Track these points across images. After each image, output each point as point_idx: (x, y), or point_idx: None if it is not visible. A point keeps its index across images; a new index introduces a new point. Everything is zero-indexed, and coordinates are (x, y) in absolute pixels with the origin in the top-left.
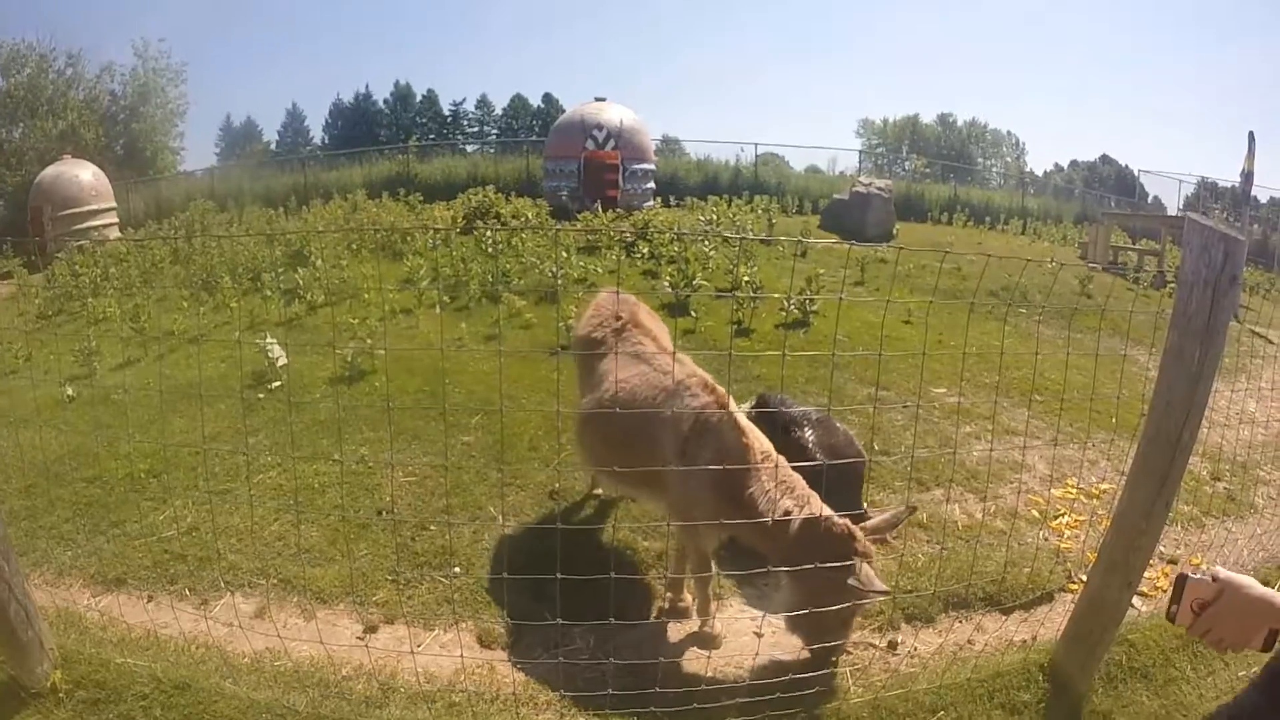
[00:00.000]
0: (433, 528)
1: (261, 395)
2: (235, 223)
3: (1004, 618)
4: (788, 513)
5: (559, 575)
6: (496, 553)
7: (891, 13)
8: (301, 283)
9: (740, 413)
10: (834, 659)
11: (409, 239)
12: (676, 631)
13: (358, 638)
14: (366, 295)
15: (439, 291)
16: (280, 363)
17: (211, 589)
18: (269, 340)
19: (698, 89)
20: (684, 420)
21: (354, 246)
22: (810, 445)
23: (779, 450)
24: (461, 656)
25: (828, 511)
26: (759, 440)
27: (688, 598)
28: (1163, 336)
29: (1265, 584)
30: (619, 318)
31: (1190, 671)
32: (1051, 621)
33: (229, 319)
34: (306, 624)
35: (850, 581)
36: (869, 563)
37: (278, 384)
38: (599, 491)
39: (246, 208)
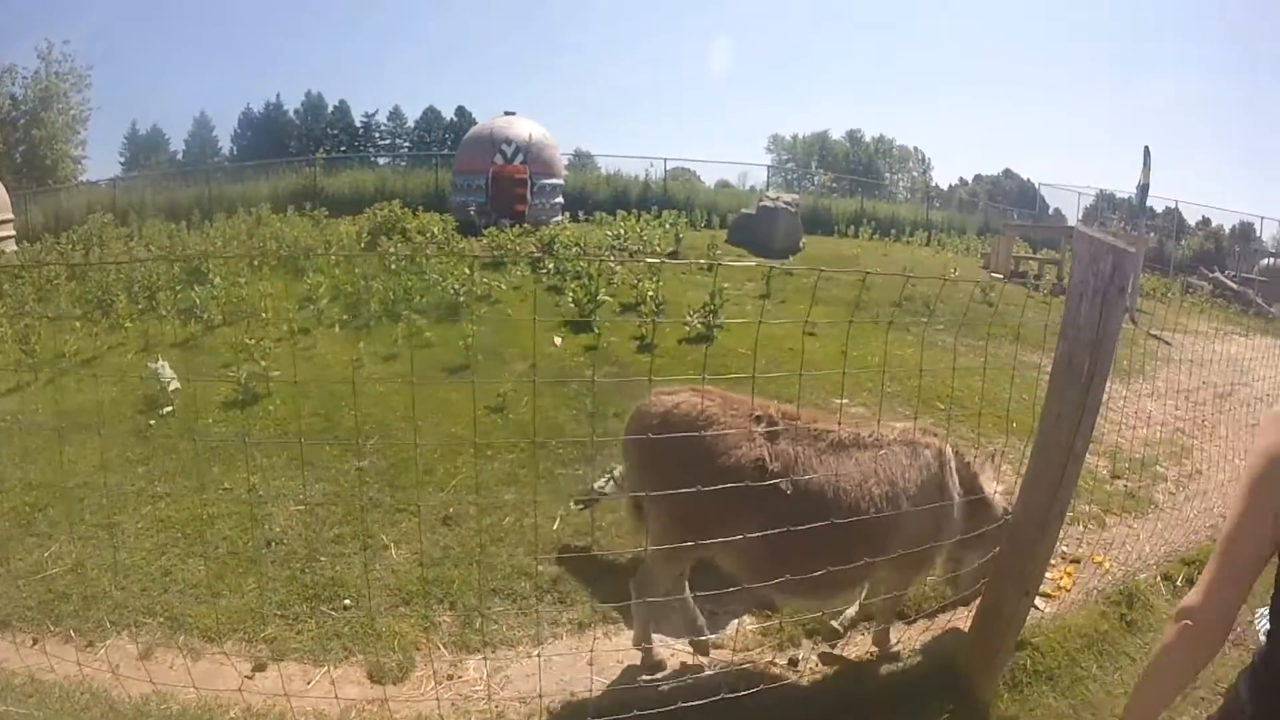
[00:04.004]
0: (323, 559)
1: (153, 421)
2: (135, 237)
3: (907, 628)
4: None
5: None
6: (387, 583)
7: (805, 31)
8: (199, 302)
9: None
10: None
11: (311, 255)
12: (564, 659)
13: (245, 677)
14: (265, 315)
15: (338, 310)
16: (172, 387)
17: (97, 629)
18: (160, 364)
19: (611, 104)
20: (929, 474)
21: (255, 263)
22: None
23: None
24: (336, 698)
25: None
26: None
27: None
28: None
29: (1167, 577)
30: (760, 417)
31: (1096, 670)
32: (955, 630)
33: (123, 340)
34: (194, 664)
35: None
36: None
37: (169, 409)
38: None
39: (148, 221)
